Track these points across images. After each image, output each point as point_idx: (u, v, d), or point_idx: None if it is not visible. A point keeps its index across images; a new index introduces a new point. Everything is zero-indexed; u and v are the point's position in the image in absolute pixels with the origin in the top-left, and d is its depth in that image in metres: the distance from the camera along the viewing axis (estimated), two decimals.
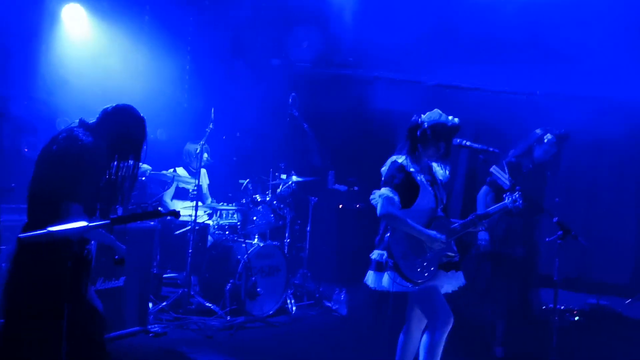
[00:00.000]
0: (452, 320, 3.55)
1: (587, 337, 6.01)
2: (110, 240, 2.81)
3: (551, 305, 5.69)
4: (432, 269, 3.53)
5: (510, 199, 3.72)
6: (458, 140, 3.72)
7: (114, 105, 2.98)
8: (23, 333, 2.48)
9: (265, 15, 8.02)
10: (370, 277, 3.64)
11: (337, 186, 7.90)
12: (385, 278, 3.53)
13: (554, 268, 3.36)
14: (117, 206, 2.92)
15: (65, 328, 2.15)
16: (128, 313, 4.87)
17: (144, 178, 5.02)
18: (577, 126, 6.23)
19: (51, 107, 5.52)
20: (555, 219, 3.42)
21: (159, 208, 2.14)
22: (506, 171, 3.72)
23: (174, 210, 2.21)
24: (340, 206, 7.98)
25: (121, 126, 2.91)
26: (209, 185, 6.62)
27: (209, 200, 6.45)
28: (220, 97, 7.50)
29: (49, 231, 1.83)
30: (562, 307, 6.62)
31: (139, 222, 4.87)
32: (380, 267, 3.58)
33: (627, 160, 7.38)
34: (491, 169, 3.83)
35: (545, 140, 4.87)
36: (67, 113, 5.21)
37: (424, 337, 3.60)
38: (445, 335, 3.54)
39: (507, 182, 3.71)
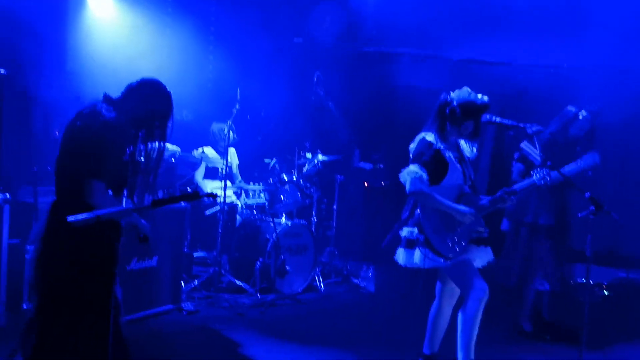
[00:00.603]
0: (487, 292, 3.58)
1: (616, 311, 5.98)
2: (134, 218, 2.73)
3: (580, 280, 5.71)
4: (463, 243, 3.56)
5: (539, 175, 3.70)
6: (487, 117, 3.70)
7: (139, 80, 2.86)
8: (69, 315, 2.47)
9: None
10: (400, 255, 3.67)
11: (362, 164, 7.91)
12: (417, 254, 3.56)
13: (586, 243, 3.34)
14: (146, 185, 2.82)
15: (112, 309, 2.20)
16: (161, 292, 4.99)
17: (173, 159, 5.08)
18: (605, 99, 6.15)
19: (80, 90, 5.60)
20: (587, 195, 3.39)
21: (198, 190, 2.09)
22: (537, 147, 3.69)
23: (213, 193, 2.25)
24: (366, 184, 7.99)
25: (146, 101, 2.79)
26: (238, 165, 6.66)
27: (239, 179, 6.50)
28: (244, 76, 7.52)
29: (96, 214, 1.88)
30: (591, 282, 6.60)
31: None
32: (410, 244, 3.61)
33: None
34: (522, 145, 3.82)
35: (580, 118, 4.81)
36: (97, 96, 5.30)
37: (461, 312, 3.63)
38: (482, 306, 3.58)
39: (538, 158, 3.68)
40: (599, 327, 5.36)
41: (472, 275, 3.58)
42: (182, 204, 5.13)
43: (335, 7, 8.30)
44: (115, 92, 2.89)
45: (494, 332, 5.04)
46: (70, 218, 1.87)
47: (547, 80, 7.19)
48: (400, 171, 3.65)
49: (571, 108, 4.86)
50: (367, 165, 7.94)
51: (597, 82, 6.51)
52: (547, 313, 5.21)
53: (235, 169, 6.44)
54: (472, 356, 3.65)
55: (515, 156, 6.50)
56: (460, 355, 3.65)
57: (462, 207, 3.54)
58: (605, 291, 6.45)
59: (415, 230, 3.56)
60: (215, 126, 6.36)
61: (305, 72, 7.98)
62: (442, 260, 3.52)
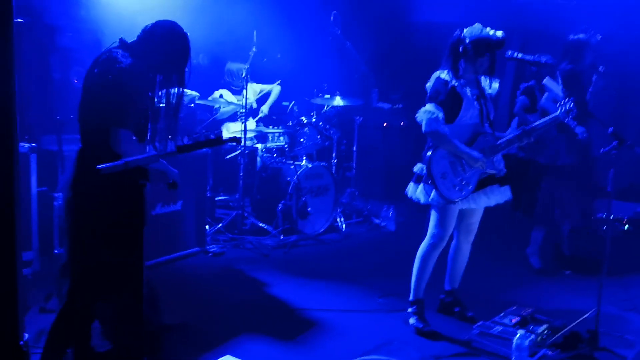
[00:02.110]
0: (445, 241, 3.72)
1: (637, 245, 6.01)
2: (163, 165, 2.74)
3: (600, 215, 5.71)
4: (470, 187, 3.58)
5: (562, 109, 3.65)
6: (509, 53, 3.65)
7: (154, 22, 2.76)
8: (101, 258, 2.54)
9: None
10: (410, 188, 3.76)
11: (380, 104, 7.86)
12: (420, 189, 3.64)
13: (608, 179, 3.34)
14: (167, 131, 2.76)
15: (142, 252, 2.28)
16: (187, 235, 5.12)
17: (192, 105, 5.10)
18: (627, 30, 5.98)
19: (98, 37, 5.57)
20: (610, 130, 3.35)
21: (221, 135, 2.07)
22: (560, 82, 3.62)
23: (235, 137, 2.28)
24: (385, 124, 7.96)
25: (162, 42, 2.69)
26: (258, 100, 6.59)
27: (265, 107, 6.44)
28: (259, 18, 7.40)
29: (126, 161, 1.93)
30: (612, 217, 6.59)
31: None
32: (419, 180, 3.68)
33: None
34: (544, 82, 3.75)
35: (593, 43, 4.68)
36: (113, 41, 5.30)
37: (421, 246, 3.77)
38: (435, 252, 3.72)
39: (561, 94, 3.63)
40: (619, 260, 5.43)
41: (444, 224, 3.65)
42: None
43: None
44: (132, 37, 2.85)
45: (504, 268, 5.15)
46: (100, 166, 1.91)
47: (568, 12, 6.97)
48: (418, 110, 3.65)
49: (582, 35, 4.71)
50: (386, 105, 7.89)
51: (620, 11, 6.32)
52: (567, 248, 5.27)
53: (253, 103, 6.33)
54: (421, 295, 3.79)
55: (521, 87, 6.40)
56: (411, 290, 3.82)
57: (473, 153, 3.54)
58: (626, 225, 6.47)
59: (425, 169, 3.59)
60: (231, 65, 6.27)
61: (322, 12, 7.83)
62: (443, 202, 3.57)
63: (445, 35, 6.53)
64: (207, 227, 5.42)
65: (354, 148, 6.82)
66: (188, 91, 5.12)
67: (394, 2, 7.97)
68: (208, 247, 5.28)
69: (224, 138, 2.24)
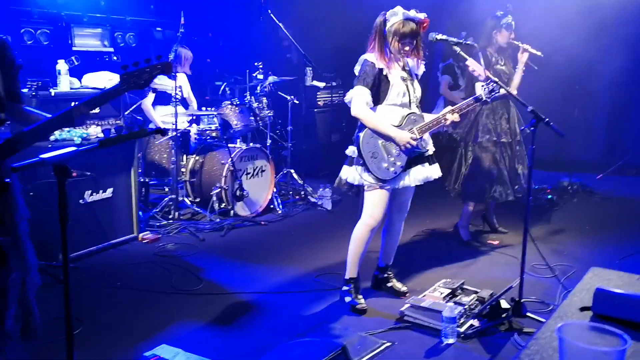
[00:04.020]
0: (379, 223, 3.80)
1: (557, 212, 6.35)
2: None
3: (525, 186, 5.98)
4: (400, 166, 3.66)
5: (485, 89, 3.78)
6: (432, 35, 3.72)
7: None
8: None
9: None
10: (343, 171, 3.84)
11: (315, 83, 7.86)
12: (353, 173, 3.73)
13: (529, 154, 3.49)
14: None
15: None
16: (120, 222, 5.03)
17: None
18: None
19: None
20: (529, 108, 3.50)
21: (145, 127, 2.03)
22: (481, 62, 3.74)
23: (159, 128, 2.24)
24: (320, 103, 8.00)
25: None
26: (193, 91, 6.49)
27: (194, 103, 6.38)
28: None
29: (42, 159, 1.87)
30: (536, 187, 6.92)
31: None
32: (351, 162, 3.75)
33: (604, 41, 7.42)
34: (467, 62, 3.86)
35: (503, 23, 4.84)
36: None
37: (356, 227, 3.85)
38: (369, 233, 3.80)
39: (483, 74, 3.75)
40: (543, 227, 5.74)
41: (377, 204, 3.74)
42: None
43: None
44: None
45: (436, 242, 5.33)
46: (15, 165, 1.85)
47: None
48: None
49: (498, 13, 4.88)
50: (320, 83, 7.89)
51: None
52: (495, 220, 5.51)
53: (187, 94, 6.31)
54: (355, 274, 3.89)
55: (440, 67, 6.59)
56: (346, 269, 3.92)
57: (398, 131, 3.62)
58: (549, 195, 6.80)
59: (356, 151, 3.66)
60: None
61: None
62: (374, 183, 3.66)
63: (377, 11, 6.60)
64: (140, 213, 5.32)
65: (289, 128, 6.82)
66: (114, 75, 4.97)
67: None
68: (142, 234, 5.20)
69: (148, 130, 2.20)
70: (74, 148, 1.99)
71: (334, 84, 8.09)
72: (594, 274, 2.06)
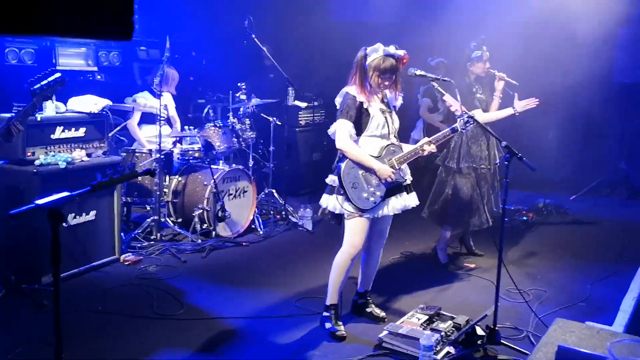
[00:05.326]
0: (360, 251, 3.91)
1: (532, 234, 6.51)
2: None
3: (502, 207, 6.14)
4: (380, 195, 3.78)
5: (461, 121, 3.92)
6: (411, 70, 3.86)
7: None
8: None
9: None
10: (323, 199, 3.94)
11: (297, 102, 7.97)
12: (334, 201, 3.83)
13: (503, 187, 3.63)
14: None
15: None
16: (102, 244, 5.05)
17: (104, 112, 5.01)
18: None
19: None
20: (503, 143, 3.64)
21: (135, 170, 2.11)
22: (458, 97, 3.88)
23: (149, 170, 2.32)
24: (302, 122, 8.10)
25: None
26: (176, 109, 6.55)
27: (178, 124, 6.44)
28: (172, 16, 7.32)
29: (36, 204, 1.94)
30: (512, 208, 7.10)
31: (101, 157, 4.96)
32: (332, 191, 3.86)
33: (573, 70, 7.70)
34: (444, 97, 3.99)
35: (476, 55, 5.01)
36: None
37: (337, 255, 3.95)
38: (350, 261, 3.90)
39: (459, 109, 3.89)
40: (521, 250, 5.88)
41: (357, 233, 3.84)
42: (114, 156, 5.16)
43: None
44: None
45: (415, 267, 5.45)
46: (11, 212, 1.91)
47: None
48: (335, 108, 3.87)
49: (473, 45, 5.05)
50: (302, 103, 8.02)
51: None
52: (472, 244, 5.65)
53: (172, 112, 6.36)
54: (336, 300, 3.99)
55: (421, 90, 6.74)
56: (327, 295, 4.01)
57: (381, 165, 3.74)
58: (524, 217, 6.97)
59: (336, 180, 3.76)
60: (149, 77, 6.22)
61: (235, 9, 7.83)
62: (354, 212, 3.77)
63: (359, 33, 6.75)
64: (122, 234, 5.36)
65: (271, 148, 6.91)
66: (100, 99, 5.04)
67: (309, 3, 8.10)
68: (124, 255, 5.23)
69: (139, 172, 2.28)
70: (67, 193, 2.05)
71: (315, 103, 8.21)
72: (559, 325, 2.18)
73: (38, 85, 3.81)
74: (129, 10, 1.17)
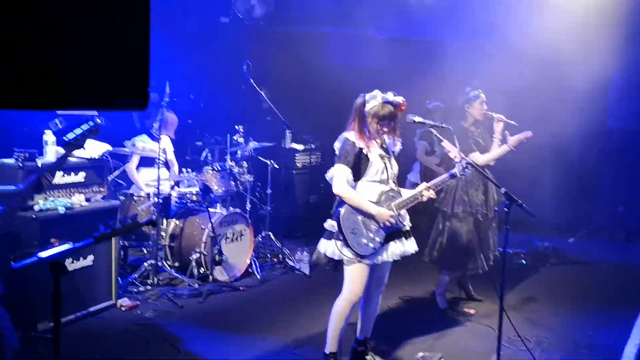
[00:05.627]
0: (360, 298, 3.89)
1: (531, 278, 6.49)
2: None
3: (500, 249, 6.12)
4: (379, 241, 3.77)
5: (459, 167, 3.94)
6: (410, 117, 3.91)
7: None
8: None
9: None
10: (321, 244, 3.91)
11: (294, 145, 8.03)
12: (332, 247, 3.81)
13: (503, 234, 3.64)
14: None
15: None
16: (99, 289, 5.00)
17: (104, 157, 5.03)
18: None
19: None
20: (502, 190, 3.67)
21: (137, 220, 2.12)
22: (456, 144, 3.92)
23: (151, 220, 2.33)
24: (299, 164, 8.14)
25: None
26: (175, 153, 6.58)
27: (176, 167, 6.45)
28: (170, 58, 7.42)
29: (40, 258, 1.93)
30: (510, 251, 7.09)
31: (100, 201, 4.95)
32: (330, 236, 3.85)
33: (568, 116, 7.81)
34: (442, 143, 4.05)
35: (473, 98, 5.08)
36: None
37: (334, 304, 3.92)
38: (350, 308, 3.87)
39: (458, 156, 3.92)
40: (521, 294, 5.85)
41: (357, 280, 3.82)
42: (112, 201, 5.16)
43: None
44: None
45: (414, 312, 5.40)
46: (14, 265, 1.91)
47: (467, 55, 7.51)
48: (332, 150, 3.89)
49: (468, 89, 5.13)
50: (299, 146, 8.08)
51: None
52: (471, 288, 5.61)
53: (170, 156, 6.39)
54: (335, 348, 3.95)
55: (418, 133, 6.79)
56: (326, 343, 3.96)
57: (380, 209, 3.74)
58: (523, 260, 6.95)
59: (335, 225, 3.76)
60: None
61: (234, 53, 7.96)
62: (353, 257, 3.75)
63: (355, 76, 6.85)
64: (119, 279, 5.31)
65: (269, 191, 6.92)
66: (100, 144, 5.06)
67: (305, 46, 8.24)
68: (120, 300, 5.17)
69: (141, 222, 2.28)
70: (69, 246, 2.05)
71: (312, 146, 8.27)
72: None
73: (72, 136, 3.49)
74: (144, 80, 1.19)
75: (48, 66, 1.12)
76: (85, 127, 3.47)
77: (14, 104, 1.09)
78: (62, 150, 4.74)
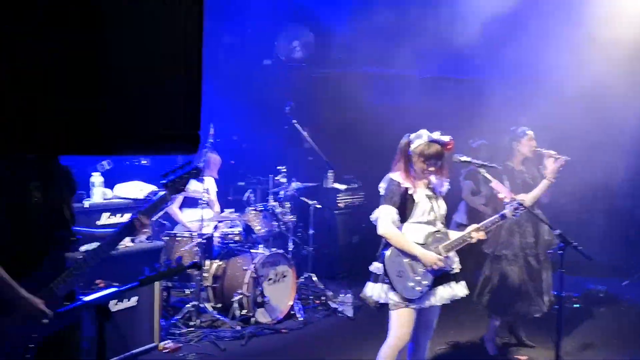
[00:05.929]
0: (405, 343, 3.76)
1: (585, 323, 6.18)
2: None
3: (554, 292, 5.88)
4: (427, 284, 3.64)
5: (510, 208, 3.82)
6: (456, 157, 3.82)
7: None
8: None
9: (257, 17, 8.09)
10: (368, 287, 3.81)
11: (336, 185, 8.00)
12: (378, 290, 3.71)
13: (558, 278, 3.48)
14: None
15: None
16: (141, 331, 4.97)
17: (149, 198, 5.09)
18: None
19: None
20: (556, 232, 3.52)
21: (182, 263, 2.08)
22: (506, 184, 3.81)
23: (195, 263, 2.30)
24: (341, 205, 8.08)
25: None
26: (217, 193, 6.64)
27: (217, 207, 6.49)
28: (214, 100, 7.55)
29: (84, 301, 1.91)
30: (562, 294, 6.78)
31: (145, 242, 4.98)
32: (376, 279, 3.75)
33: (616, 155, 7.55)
34: (491, 184, 3.94)
35: (522, 134, 4.94)
36: None
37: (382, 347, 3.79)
38: (395, 353, 3.75)
39: (508, 196, 3.80)
40: (574, 340, 5.57)
41: (403, 324, 3.70)
42: (156, 241, 5.19)
43: (304, 30, 8.40)
44: None
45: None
46: (59, 310, 1.90)
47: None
48: (374, 189, 3.82)
49: (513, 128, 4.99)
50: (342, 186, 8.04)
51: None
52: (522, 333, 5.37)
53: (213, 196, 6.44)
54: None
55: (463, 172, 6.65)
56: None
57: (424, 252, 3.63)
58: (575, 304, 6.66)
59: (381, 268, 3.66)
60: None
61: (275, 94, 8.05)
62: (399, 302, 3.64)
63: (395, 116, 6.81)
64: (162, 320, 5.28)
65: (311, 232, 6.87)
66: (148, 185, 5.13)
67: (345, 86, 8.29)
68: (163, 343, 5.13)
69: (184, 265, 2.25)
70: (114, 289, 2.03)
71: (354, 185, 8.22)
72: None
73: (174, 178, 3.24)
74: (195, 125, 1.17)
75: (101, 112, 1.11)
76: (186, 170, 3.25)
77: (69, 150, 1.07)
78: (109, 192, 4.82)
